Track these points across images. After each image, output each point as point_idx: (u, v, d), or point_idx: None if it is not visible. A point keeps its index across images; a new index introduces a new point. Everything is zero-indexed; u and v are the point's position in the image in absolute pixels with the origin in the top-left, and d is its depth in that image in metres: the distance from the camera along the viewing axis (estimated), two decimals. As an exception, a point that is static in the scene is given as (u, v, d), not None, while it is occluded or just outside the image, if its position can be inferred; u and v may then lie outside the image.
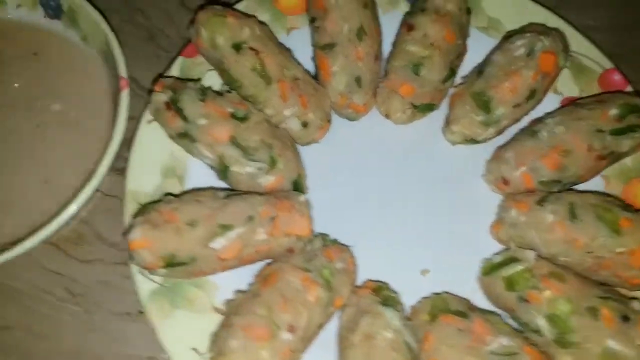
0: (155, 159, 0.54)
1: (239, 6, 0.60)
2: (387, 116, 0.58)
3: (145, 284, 0.50)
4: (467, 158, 0.58)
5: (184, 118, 0.50)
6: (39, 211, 0.52)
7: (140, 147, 0.54)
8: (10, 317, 0.53)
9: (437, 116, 0.59)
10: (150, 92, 0.55)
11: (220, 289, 0.50)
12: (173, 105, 0.51)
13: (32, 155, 0.54)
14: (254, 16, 0.56)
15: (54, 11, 0.58)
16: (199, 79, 0.55)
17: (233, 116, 0.51)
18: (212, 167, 0.52)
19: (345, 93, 0.56)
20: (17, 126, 0.55)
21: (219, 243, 0.46)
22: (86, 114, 0.56)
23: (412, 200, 0.56)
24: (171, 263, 0.46)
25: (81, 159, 0.54)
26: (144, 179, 0.53)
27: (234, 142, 0.50)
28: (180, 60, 0.58)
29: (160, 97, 0.51)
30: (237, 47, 0.53)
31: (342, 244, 0.51)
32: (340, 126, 0.58)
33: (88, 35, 0.57)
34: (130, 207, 0.52)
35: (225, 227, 0.46)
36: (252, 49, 0.53)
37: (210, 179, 0.54)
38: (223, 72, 0.54)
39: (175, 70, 0.57)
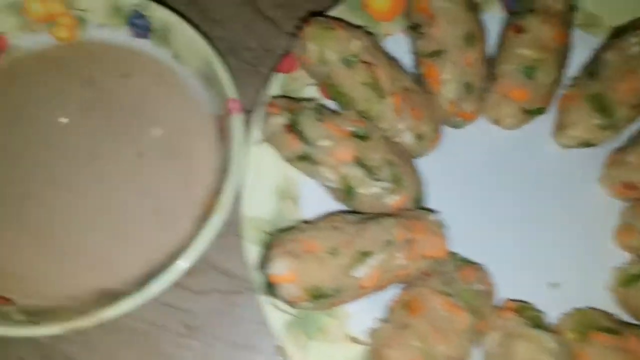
0: (269, 182, 0.52)
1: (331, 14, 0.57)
2: (496, 122, 0.56)
3: (279, 316, 0.48)
4: (575, 161, 0.56)
5: (305, 140, 0.48)
6: (153, 245, 0.50)
7: (253, 170, 0.51)
8: (131, 360, 0.51)
9: (539, 118, 0.57)
10: (249, 112, 0.53)
11: (352, 317, 0.49)
12: (293, 128, 0.48)
13: (138, 185, 0.52)
14: (360, 26, 0.53)
15: (142, 30, 0.54)
16: (312, 99, 0.53)
17: (354, 135, 0.48)
18: (330, 189, 0.50)
19: (455, 101, 0.54)
20: (117, 154, 0.53)
21: (361, 271, 0.44)
22: (188, 138, 0.53)
23: (528, 209, 0.54)
24: (317, 295, 0.44)
25: (190, 187, 0.52)
26: (260, 204, 0.51)
27: (358, 162, 0.48)
28: (276, 76, 0.55)
29: (278, 119, 0.49)
30: (348, 61, 0.50)
31: (475, 263, 0.50)
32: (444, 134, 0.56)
33: (182, 54, 0.54)
34: (250, 235, 0.50)
35: (366, 254, 0.44)
36: (364, 62, 0.50)
37: (323, 199, 0.52)
38: (330, 87, 0.52)
39: (275, 88, 0.54)
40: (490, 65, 0.56)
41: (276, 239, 0.46)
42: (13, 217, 0.50)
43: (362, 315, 0.48)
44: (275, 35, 0.63)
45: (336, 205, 0.52)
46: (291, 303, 0.44)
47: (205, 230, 0.46)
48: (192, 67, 0.54)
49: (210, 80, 0.52)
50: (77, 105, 0.54)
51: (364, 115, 0.51)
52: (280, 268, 0.43)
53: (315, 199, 0.52)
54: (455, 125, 0.56)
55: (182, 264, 0.45)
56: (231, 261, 0.53)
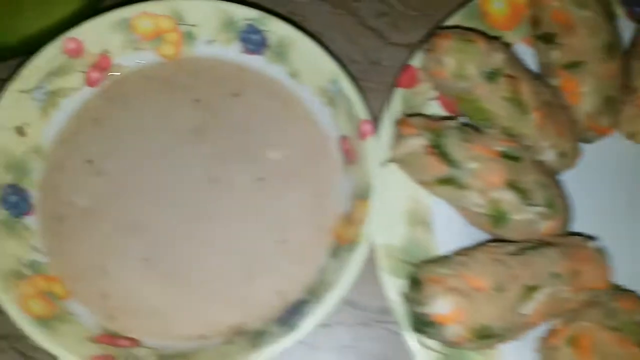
0: (398, 206, 0.48)
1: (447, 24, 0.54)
2: (630, 136, 0.52)
3: (425, 354, 0.44)
4: None
5: (450, 162, 0.44)
6: (283, 277, 0.46)
7: (381, 194, 0.48)
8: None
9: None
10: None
11: (502, 354, 0.45)
12: (436, 149, 0.44)
13: (261, 213, 0.48)
14: (498, 37, 0.50)
15: (256, 46, 0.51)
16: (452, 117, 0.49)
17: (504, 155, 0.45)
18: (473, 214, 0.46)
19: (593, 114, 0.50)
20: (236, 179, 0.49)
21: (529, 307, 0.41)
22: (309, 161, 0.49)
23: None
24: (484, 335, 0.40)
25: (317, 215, 0.48)
26: (390, 230, 0.47)
27: (511, 185, 0.44)
28: (398, 92, 0.51)
29: (418, 140, 0.45)
30: (490, 75, 0.47)
31: (630, 290, 0.46)
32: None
33: (300, 72, 0.50)
34: (387, 265, 0.46)
35: (533, 289, 0.41)
36: (508, 76, 0.47)
37: (455, 224, 0.48)
38: (468, 103, 0.48)
39: (396, 104, 0.51)
40: (625, 76, 0.52)
41: (428, 272, 0.42)
42: (131, 250, 0.47)
43: (513, 351, 0.45)
44: (380, 46, 0.59)
45: (471, 230, 0.48)
46: (453, 344, 0.41)
47: (350, 264, 0.43)
48: (312, 85, 0.50)
49: (334, 99, 0.49)
50: (186, 127, 0.51)
51: (506, 133, 0.47)
52: (445, 307, 0.40)
53: (446, 225, 0.49)
54: (587, 140, 0.52)
55: (330, 302, 0.42)
56: (355, 292, 0.50)
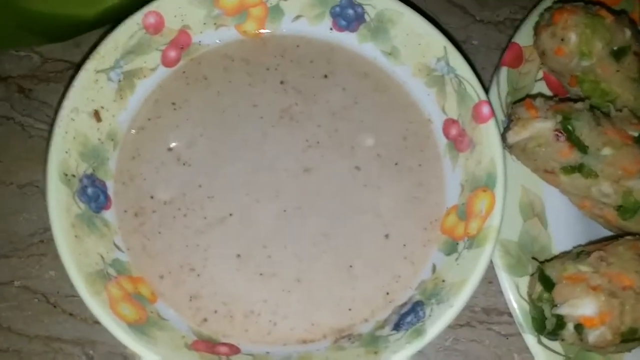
0: (512, 197, 0.44)
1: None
2: None
3: (547, 358, 0.40)
4: None
5: (582, 148, 0.40)
6: (389, 275, 0.42)
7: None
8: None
9: None
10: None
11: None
12: (567, 134, 0.40)
13: (360, 205, 0.44)
14: (623, 11, 0.45)
15: (348, 22, 0.46)
16: (585, 98, 0.44)
17: (638, 141, 0.41)
18: (599, 206, 0.43)
19: None
20: (331, 168, 0.45)
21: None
22: (409, 149, 0.45)
23: None
24: (631, 339, 0.36)
25: (420, 207, 0.44)
26: (506, 224, 0.43)
27: (648, 174, 0.40)
28: (504, 71, 0.47)
29: (545, 123, 0.41)
30: (619, 54, 0.42)
31: None
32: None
33: (399, 50, 0.46)
34: (503, 262, 0.42)
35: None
36: (635, 54, 0.43)
37: (570, 215, 0.45)
38: (589, 84, 0.44)
39: (503, 85, 0.47)
40: None
41: (562, 269, 0.38)
42: (221, 246, 0.43)
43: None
44: (467, 24, 0.55)
45: (585, 224, 0.45)
46: (596, 347, 0.37)
47: (478, 262, 0.39)
48: (412, 64, 0.46)
49: (440, 79, 0.44)
50: (272, 111, 0.46)
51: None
52: (590, 308, 0.36)
53: (559, 218, 0.45)
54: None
55: (459, 304, 0.38)
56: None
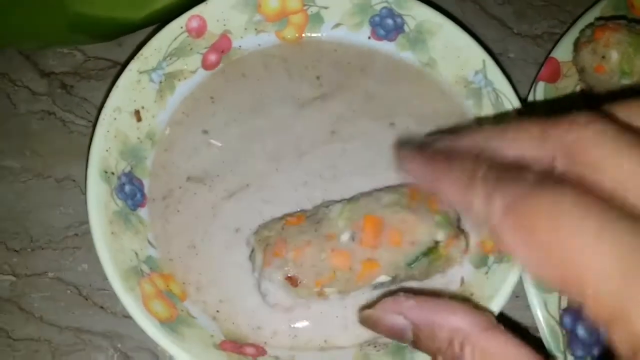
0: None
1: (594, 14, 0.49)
2: None
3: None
4: None
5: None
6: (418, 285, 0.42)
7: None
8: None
9: None
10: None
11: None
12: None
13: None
14: None
15: (387, 32, 0.46)
16: None
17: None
18: None
19: None
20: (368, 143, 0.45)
21: None
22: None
23: None
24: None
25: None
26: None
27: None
28: (541, 86, 0.47)
29: None
30: (660, 70, 0.42)
31: None
32: None
33: (437, 61, 0.46)
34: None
35: None
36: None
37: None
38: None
39: (539, 98, 0.46)
40: None
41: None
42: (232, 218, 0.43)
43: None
44: (505, 36, 0.55)
45: None
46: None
47: (508, 278, 0.38)
48: (451, 75, 0.46)
49: (476, 92, 0.44)
50: (308, 97, 0.46)
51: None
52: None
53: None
54: None
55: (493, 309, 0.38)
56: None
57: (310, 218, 0.39)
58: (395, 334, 0.30)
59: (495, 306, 0.38)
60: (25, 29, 0.41)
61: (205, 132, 0.45)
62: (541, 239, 0.21)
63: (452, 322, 0.27)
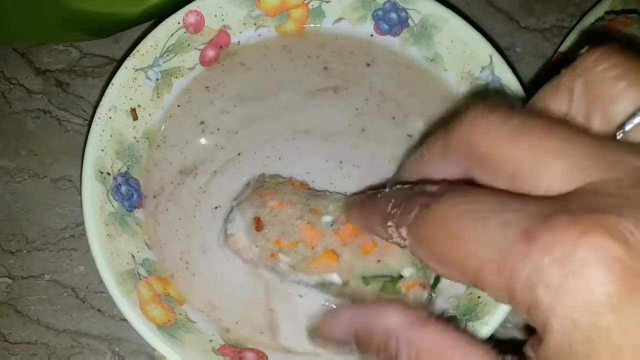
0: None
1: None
2: None
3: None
4: None
5: None
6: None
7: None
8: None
9: None
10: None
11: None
12: None
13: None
14: None
15: (391, 27, 0.45)
16: None
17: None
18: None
19: None
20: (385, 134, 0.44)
21: None
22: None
23: None
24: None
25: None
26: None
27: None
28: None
29: None
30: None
31: None
32: None
33: (442, 56, 0.44)
34: None
35: None
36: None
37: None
38: None
39: (547, 96, 0.45)
40: None
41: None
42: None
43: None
44: (512, 30, 0.53)
45: None
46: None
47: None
48: (456, 72, 0.44)
49: (484, 89, 0.43)
50: (317, 86, 0.45)
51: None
52: None
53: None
54: None
55: (492, 324, 0.36)
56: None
57: (311, 191, 0.39)
58: (340, 344, 0.29)
59: (502, 310, 0.36)
60: (20, 26, 0.40)
61: (202, 122, 0.44)
62: (438, 249, 0.22)
63: (384, 321, 0.26)
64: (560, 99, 0.25)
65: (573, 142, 0.21)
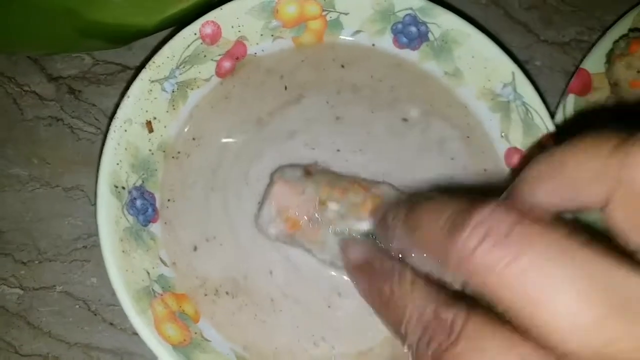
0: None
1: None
2: None
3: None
4: None
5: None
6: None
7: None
8: None
9: None
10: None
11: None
12: None
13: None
14: None
15: (410, 40, 0.44)
16: None
17: None
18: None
19: None
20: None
21: None
22: (473, 168, 0.43)
23: None
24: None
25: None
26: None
27: None
28: (571, 99, 0.45)
29: None
30: None
31: None
32: None
33: (462, 71, 0.44)
34: None
35: None
36: None
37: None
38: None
39: (568, 113, 0.44)
40: None
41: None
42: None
43: None
44: (531, 43, 0.53)
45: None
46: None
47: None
48: (476, 88, 0.43)
49: (504, 106, 0.42)
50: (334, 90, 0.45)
51: None
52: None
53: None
54: None
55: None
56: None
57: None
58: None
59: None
60: (36, 36, 0.40)
61: (217, 134, 0.44)
62: None
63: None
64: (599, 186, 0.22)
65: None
